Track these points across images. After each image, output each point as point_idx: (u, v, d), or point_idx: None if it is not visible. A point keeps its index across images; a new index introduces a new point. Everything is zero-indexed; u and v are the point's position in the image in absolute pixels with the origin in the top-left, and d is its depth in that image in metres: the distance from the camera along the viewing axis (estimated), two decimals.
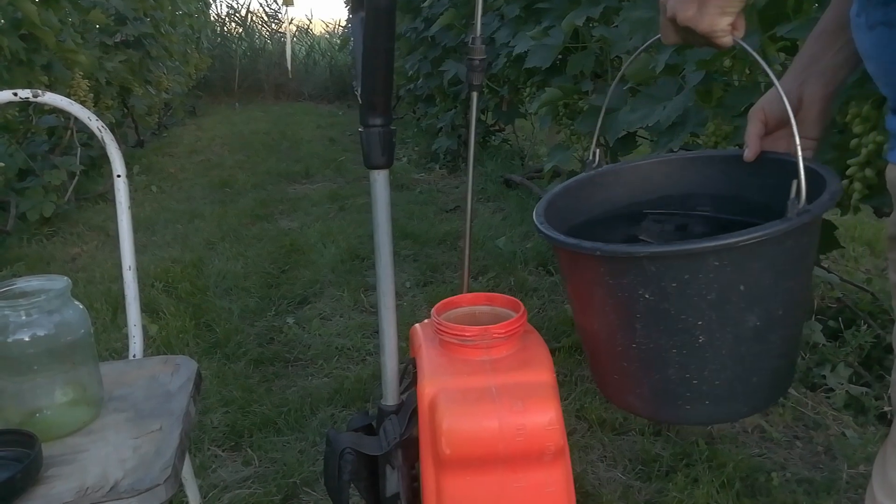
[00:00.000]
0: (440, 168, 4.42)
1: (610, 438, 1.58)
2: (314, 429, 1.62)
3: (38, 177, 3.11)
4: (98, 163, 3.95)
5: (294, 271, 2.66)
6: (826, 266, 2.48)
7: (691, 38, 0.71)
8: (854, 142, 1.21)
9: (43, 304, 0.78)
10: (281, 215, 3.51)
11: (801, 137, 0.74)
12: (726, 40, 0.69)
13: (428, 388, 0.82)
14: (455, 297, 0.97)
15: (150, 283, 2.43)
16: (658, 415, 0.78)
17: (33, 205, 3.03)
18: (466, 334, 0.86)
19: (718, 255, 0.64)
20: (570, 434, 1.58)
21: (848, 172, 1.21)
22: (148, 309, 2.20)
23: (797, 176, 0.64)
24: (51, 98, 1.02)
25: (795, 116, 0.75)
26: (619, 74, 0.92)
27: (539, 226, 0.76)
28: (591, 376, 1.83)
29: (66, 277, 0.82)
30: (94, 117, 1.03)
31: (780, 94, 0.72)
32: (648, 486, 1.42)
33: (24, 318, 0.77)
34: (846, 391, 1.79)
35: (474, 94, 0.99)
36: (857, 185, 1.20)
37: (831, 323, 2.09)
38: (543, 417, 0.79)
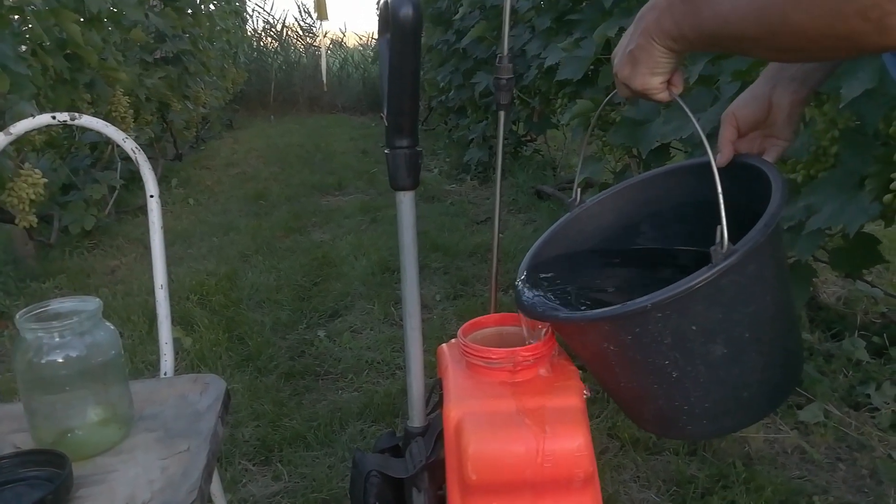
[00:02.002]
0: (471, 179, 4.42)
1: (643, 458, 1.54)
2: (343, 444, 1.62)
3: (80, 191, 3.20)
4: (137, 177, 4.00)
5: (325, 284, 2.68)
6: (870, 280, 2.40)
7: (635, 94, 0.75)
8: None
9: (75, 327, 0.79)
10: (314, 227, 3.54)
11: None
12: (661, 97, 0.73)
13: (454, 411, 0.81)
14: (482, 317, 0.95)
15: (186, 297, 2.47)
16: (668, 434, 0.83)
17: (75, 218, 3.11)
18: (493, 357, 0.85)
19: (657, 308, 0.67)
20: (602, 453, 1.55)
21: (892, 186, 1.17)
22: (182, 322, 2.24)
23: (720, 214, 0.66)
24: (87, 121, 1.04)
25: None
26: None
27: (517, 283, 0.85)
28: None
29: (97, 299, 0.83)
30: (128, 138, 1.05)
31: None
32: None
33: (57, 339, 0.78)
34: (892, 411, 1.72)
35: (501, 114, 0.98)
36: None
37: (875, 339, 2.01)
38: (572, 443, 0.77)
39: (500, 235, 1.18)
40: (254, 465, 1.57)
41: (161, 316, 1.07)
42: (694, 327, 0.69)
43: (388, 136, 0.81)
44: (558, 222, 0.95)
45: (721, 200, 0.67)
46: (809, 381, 1.81)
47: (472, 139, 4.45)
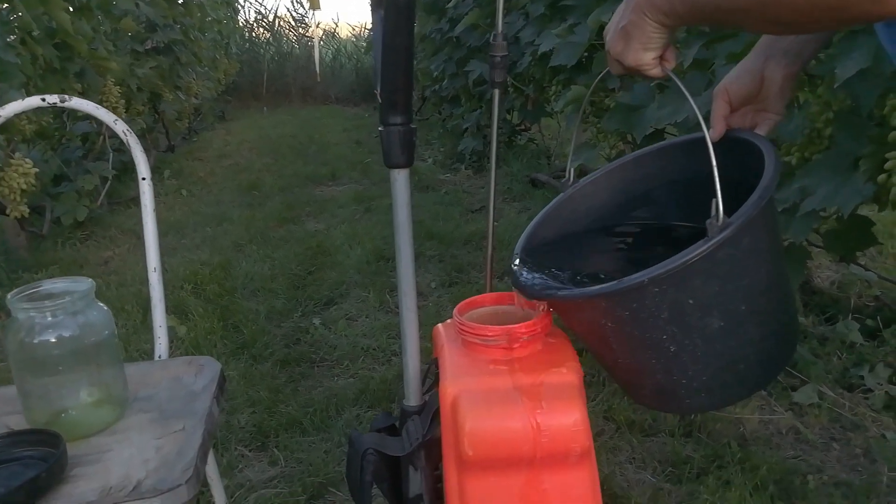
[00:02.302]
0: (466, 169, 4.41)
1: (639, 440, 1.55)
2: (339, 429, 1.62)
3: (72, 182, 3.18)
4: (129, 167, 4.02)
5: (320, 272, 2.67)
6: (863, 263, 2.41)
7: (628, 70, 0.75)
8: (893, 135, 1.17)
9: (68, 306, 0.78)
10: (308, 217, 3.53)
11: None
12: (654, 72, 0.73)
13: (450, 388, 0.81)
14: (478, 296, 0.95)
15: (180, 286, 2.46)
16: (667, 408, 0.86)
17: (67, 209, 3.10)
18: (489, 334, 0.84)
19: (654, 283, 0.67)
20: (598, 435, 1.56)
21: (886, 166, 1.17)
22: (177, 311, 2.24)
23: (715, 188, 0.66)
24: (78, 103, 1.03)
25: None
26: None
27: (513, 265, 0.85)
28: None
29: (90, 279, 0.83)
30: (118, 120, 1.04)
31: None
32: (679, 488, 1.39)
33: (49, 319, 0.78)
34: (885, 392, 1.73)
35: (496, 92, 0.98)
36: None
37: (869, 322, 2.02)
38: (568, 418, 0.77)
39: (495, 223, 1.17)
40: (250, 451, 1.57)
41: (154, 300, 1.06)
42: (691, 301, 0.69)
43: (382, 113, 0.80)
44: (552, 203, 0.95)
45: (716, 173, 0.67)
46: (804, 364, 1.82)
47: (467, 128, 4.44)
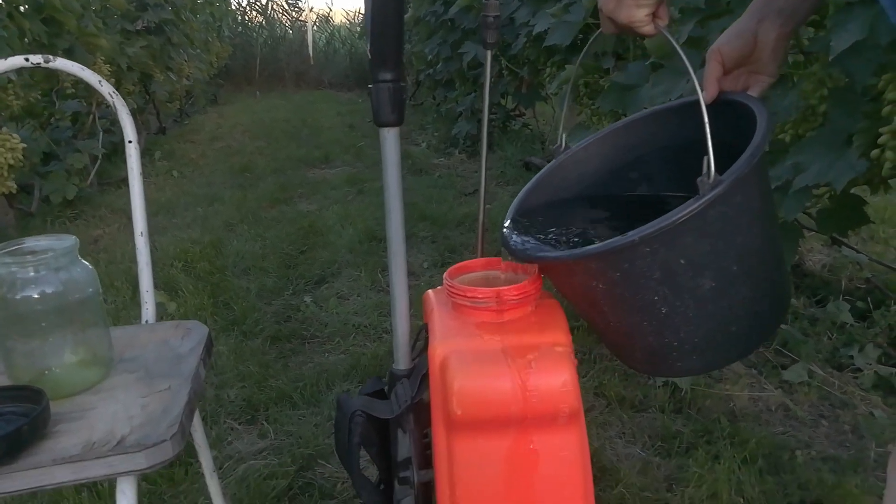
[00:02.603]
0: (459, 153, 4.39)
1: (629, 415, 1.55)
2: (330, 403, 1.61)
3: (61, 161, 3.15)
4: (119, 149, 3.99)
5: (312, 252, 2.65)
6: (855, 246, 2.41)
7: (621, 28, 0.74)
8: (887, 109, 1.16)
9: (51, 262, 0.77)
10: (300, 199, 3.51)
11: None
12: (647, 29, 0.73)
13: (439, 349, 0.80)
14: (468, 261, 0.94)
15: (170, 263, 2.45)
16: (658, 373, 0.85)
17: (56, 188, 3.07)
18: (479, 296, 0.84)
19: (645, 242, 0.66)
20: (588, 411, 1.56)
21: (880, 141, 1.17)
22: (167, 287, 2.22)
23: (707, 145, 0.66)
24: (62, 63, 1.01)
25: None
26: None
27: (504, 228, 0.84)
28: (609, 355, 1.81)
29: (74, 236, 0.81)
30: (104, 82, 1.02)
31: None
32: (668, 462, 1.39)
33: (31, 274, 0.76)
34: (875, 372, 1.74)
35: (489, 53, 0.96)
36: (889, 154, 1.16)
37: (860, 303, 2.03)
38: (557, 379, 0.76)
39: (488, 206, 1.16)
40: (239, 425, 1.56)
41: (141, 264, 1.05)
42: (682, 261, 0.68)
43: (372, 69, 0.79)
44: (543, 169, 0.94)
45: (707, 130, 0.66)
46: (794, 343, 1.82)
47: (461, 112, 4.42)
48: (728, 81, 0.81)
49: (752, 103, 0.75)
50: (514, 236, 0.84)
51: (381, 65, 0.79)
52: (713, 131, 0.67)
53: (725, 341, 0.75)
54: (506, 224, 0.87)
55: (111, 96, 1.03)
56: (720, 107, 0.78)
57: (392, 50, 0.78)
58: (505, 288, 0.84)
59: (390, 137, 0.82)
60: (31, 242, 0.81)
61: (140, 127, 4.51)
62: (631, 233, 0.67)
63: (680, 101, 0.89)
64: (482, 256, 0.98)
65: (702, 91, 0.73)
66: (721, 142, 0.67)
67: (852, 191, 1.46)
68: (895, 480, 0.68)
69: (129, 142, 1.03)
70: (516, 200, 0.90)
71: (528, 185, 0.93)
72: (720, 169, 0.66)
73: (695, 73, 0.71)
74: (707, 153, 0.65)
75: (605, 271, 0.72)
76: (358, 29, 9.09)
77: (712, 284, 0.70)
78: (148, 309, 1.04)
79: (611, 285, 0.72)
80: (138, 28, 4.25)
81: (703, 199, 0.65)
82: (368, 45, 0.80)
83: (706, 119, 0.67)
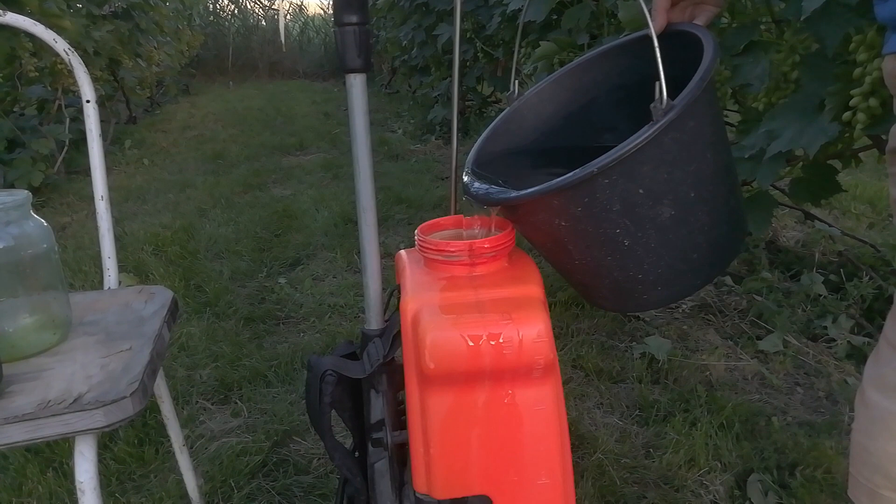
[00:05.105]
0: (436, 139, 4.36)
1: (607, 386, 1.54)
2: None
3: (26, 149, 3.06)
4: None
5: (286, 235, 2.61)
6: (829, 222, 2.44)
7: None
8: (857, 71, 1.17)
9: (1, 216, 0.73)
10: (274, 184, 3.46)
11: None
12: None
13: (411, 304, 0.78)
14: (440, 218, 0.92)
15: (140, 247, 2.39)
16: (626, 308, 0.83)
17: (21, 174, 2.98)
18: (451, 250, 0.82)
19: (603, 173, 0.66)
20: (566, 382, 1.55)
21: (851, 103, 1.17)
22: (137, 271, 2.17)
23: (658, 71, 0.66)
24: (13, 18, 0.97)
25: None
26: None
27: (465, 176, 0.84)
28: (587, 329, 1.80)
29: (26, 191, 0.78)
30: (59, 39, 0.98)
31: None
32: (646, 430, 1.39)
33: None
34: (848, 342, 1.75)
35: (458, 2, 0.94)
36: (860, 116, 1.16)
37: (833, 276, 2.05)
38: (532, 330, 0.75)
39: (460, 149, 1.14)
40: (212, 404, 1.52)
41: (102, 230, 1.01)
42: (641, 190, 0.69)
43: (336, 11, 0.76)
44: (498, 117, 0.94)
45: (658, 55, 0.66)
46: (769, 314, 1.83)
47: (437, 97, 4.39)
48: (675, 13, 0.82)
49: (699, 31, 0.76)
50: (475, 183, 0.83)
51: (347, 6, 0.76)
52: (663, 64, 0.66)
53: (688, 269, 0.76)
54: (466, 172, 0.86)
55: (66, 53, 0.99)
56: (668, 38, 0.78)
57: None
58: (478, 241, 0.82)
59: (357, 84, 0.79)
60: None
61: (108, 116, 4.41)
62: (589, 164, 0.67)
63: (629, 36, 0.88)
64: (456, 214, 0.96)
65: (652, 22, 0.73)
66: (671, 77, 0.67)
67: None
68: (862, 409, 0.69)
69: (87, 101, 0.99)
70: (474, 149, 0.90)
71: (484, 133, 0.93)
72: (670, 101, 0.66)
73: (645, 4, 0.71)
74: (659, 79, 0.65)
75: (567, 207, 0.71)
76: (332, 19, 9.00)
77: (671, 213, 0.71)
78: (110, 276, 1.00)
79: (574, 221, 0.72)
80: (105, 13, 4.15)
81: (658, 125, 0.65)
82: None
83: (656, 45, 0.66)
